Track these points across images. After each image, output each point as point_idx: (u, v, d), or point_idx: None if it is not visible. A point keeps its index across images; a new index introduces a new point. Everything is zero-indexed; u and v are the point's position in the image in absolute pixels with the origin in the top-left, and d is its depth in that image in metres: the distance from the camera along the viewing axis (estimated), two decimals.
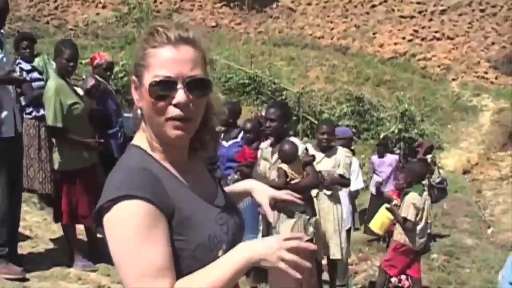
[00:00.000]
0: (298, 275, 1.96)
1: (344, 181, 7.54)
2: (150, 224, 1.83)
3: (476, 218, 14.57)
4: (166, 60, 1.91)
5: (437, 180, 12.09)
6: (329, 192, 7.39)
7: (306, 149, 6.53)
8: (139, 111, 1.99)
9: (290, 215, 6.24)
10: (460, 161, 19.22)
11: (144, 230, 1.82)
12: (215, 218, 2.05)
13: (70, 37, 21.10)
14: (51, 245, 7.10)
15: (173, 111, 1.91)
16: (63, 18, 25.35)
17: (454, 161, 19.39)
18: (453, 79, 24.03)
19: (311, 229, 6.29)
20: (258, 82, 21.14)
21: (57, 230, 7.31)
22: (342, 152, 7.58)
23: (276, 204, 3.01)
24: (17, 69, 6.22)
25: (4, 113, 5.66)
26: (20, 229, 7.01)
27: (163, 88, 1.88)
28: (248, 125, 7.92)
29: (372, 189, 11.69)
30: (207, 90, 1.99)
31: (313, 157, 6.47)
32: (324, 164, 7.40)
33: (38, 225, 7.73)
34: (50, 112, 6.08)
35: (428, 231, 7.98)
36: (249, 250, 1.92)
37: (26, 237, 7.13)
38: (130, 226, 1.82)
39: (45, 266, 6.31)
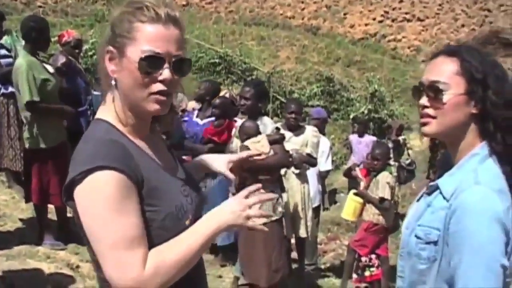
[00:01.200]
0: (266, 229, 2.13)
1: (311, 160, 7.60)
2: (123, 194, 1.87)
3: None
4: (155, 37, 1.95)
5: (407, 162, 12.23)
6: (297, 171, 7.46)
7: (277, 128, 6.54)
8: (113, 82, 1.99)
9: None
10: (427, 142, 19.40)
11: (117, 201, 1.86)
12: (179, 190, 2.11)
13: (39, 14, 20.86)
14: (19, 224, 7.06)
15: (157, 87, 1.95)
16: None
17: (423, 142, 19.54)
18: (423, 61, 24.21)
19: (279, 208, 6.32)
20: (229, 61, 21.16)
21: (25, 209, 7.28)
22: (310, 132, 7.63)
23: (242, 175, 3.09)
24: None
25: None
26: None
27: (152, 64, 1.93)
28: (217, 101, 7.93)
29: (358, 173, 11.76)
30: (188, 70, 2.04)
31: (283, 136, 6.47)
32: (292, 143, 7.45)
33: (6, 204, 7.68)
34: (25, 88, 5.98)
35: (395, 210, 8.07)
36: (216, 220, 2.01)
37: None
38: (103, 196, 1.86)
39: (13, 245, 6.29)
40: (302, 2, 26.78)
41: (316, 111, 10.01)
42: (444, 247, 2.19)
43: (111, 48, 1.97)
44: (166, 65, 1.94)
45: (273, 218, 6.20)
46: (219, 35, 23.13)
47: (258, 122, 6.29)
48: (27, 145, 6.33)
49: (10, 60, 7.20)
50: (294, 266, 8.14)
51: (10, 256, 6.02)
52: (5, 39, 7.65)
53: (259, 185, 2.11)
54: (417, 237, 2.29)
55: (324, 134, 9.55)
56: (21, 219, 7.18)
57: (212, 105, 8.02)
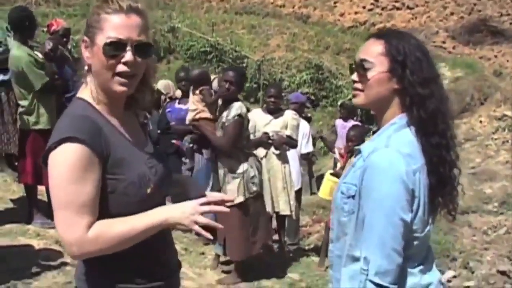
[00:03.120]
0: (209, 236, 2.39)
1: (291, 142, 7.94)
2: (83, 165, 2.18)
3: None
4: (118, 25, 2.28)
5: None
6: (277, 152, 7.80)
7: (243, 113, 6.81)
8: (86, 67, 2.37)
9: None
10: None
11: (77, 170, 2.17)
12: (144, 161, 2.41)
13: (32, 4, 21.00)
14: (10, 205, 7.36)
15: (121, 68, 2.29)
16: None
17: None
18: (428, 55, 24.25)
19: (253, 188, 6.63)
20: (220, 50, 21.26)
21: (16, 190, 7.58)
22: (289, 115, 7.97)
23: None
24: None
25: None
26: None
27: (115, 49, 2.26)
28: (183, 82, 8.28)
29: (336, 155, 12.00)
30: (150, 53, 2.39)
31: (240, 117, 6.69)
32: (272, 125, 7.80)
33: None
34: (34, 75, 6.38)
35: None
36: (167, 213, 2.31)
37: None
38: (66, 164, 2.17)
39: (5, 223, 6.59)
40: None
41: (295, 95, 10.31)
42: (360, 200, 2.53)
43: (85, 37, 2.34)
44: (128, 48, 2.28)
45: (239, 200, 6.51)
46: (210, 24, 23.24)
47: (227, 111, 6.61)
48: (21, 126, 6.67)
49: (1, 49, 7.49)
50: (275, 245, 8.47)
51: (1, 234, 6.35)
52: None
53: (220, 196, 2.46)
54: (342, 192, 2.66)
55: (305, 118, 9.86)
56: (12, 200, 7.48)
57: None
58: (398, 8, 25.56)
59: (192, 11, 25.41)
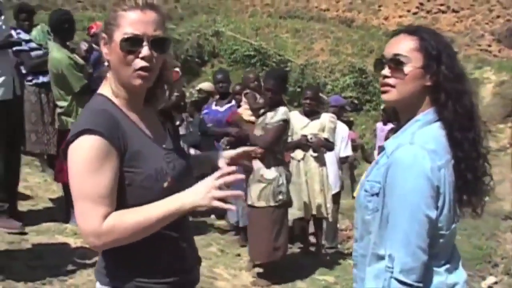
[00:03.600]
0: (233, 207, 2.37)
1: (329, 145, 7.95)
2: (101, 157, 2.23)
3: None
4: (134, 21, 2.34)
5: None
6: (315, 154, 7.82)
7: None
8: (106, 63, 2.44)
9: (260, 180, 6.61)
10: None
11: (95, 162, 2.22)
12: (162, 156, 2.46)
13: (78, 9, 21.31)
14: (50, 204, 7.51)
15: (139, 63, 2.34)
16: None
17: None
18: (457, 52, 23.99)
19: (280, 196, 6.65)
20: (263, 54, 21.31)
21: (56, 190, 7.72)
22: (326, 117, 7.99)
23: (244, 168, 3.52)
24: (13, 33, 6.58)
25: (3, 77, 6.07)
26: (22, 189, 7.45)
27: (132, 44, 2.33)
28: (237, 88, 8.35)
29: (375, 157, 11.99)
30: (167, 47, 2.45)
31: (285, 122, 6.74)
32: (309, 128, 7.83)
33: (39, 186, 8.15)
34: (74, 78, 6.52)
35: None
36: (181, 199, 2.31)
37: (27, 197, 7.55)
38: (84, 156, 2.23)
39: (43, 222, 6.73)
40: None
41: (334, 99, 10.32)
42: (384, 198, 2.52)
43: (103, 34, 2.41)
44: (145, 43, 2.33)
45: (260, 204, 6.56)
46: (254, 28, 23.32)
47: (273, 113, 6.64)
48: (58, 127, 6.81)
49: (40, 52, 7.68)
50: (313, 247, 8.48)
51: (40, 232, 6.48)
52: (34, 34, 8.12)
53: (234, 168, 2.37)
54: (365, 190, 2.64)
55: (346, 122, 9.85)
56: (51, 199, 7.63)
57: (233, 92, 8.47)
58: (443, 12, 25.28)
59: (237, 15, 25.50)
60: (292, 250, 8.28)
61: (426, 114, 2.61)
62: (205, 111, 9.02)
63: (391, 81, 2.62)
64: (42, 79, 7.73)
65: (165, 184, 2.40)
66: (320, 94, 9.23)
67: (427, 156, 2.44)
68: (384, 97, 2.70)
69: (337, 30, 23.90)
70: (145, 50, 2.33)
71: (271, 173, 6.64)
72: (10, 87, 6.15)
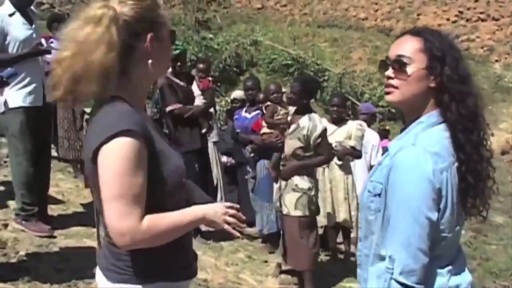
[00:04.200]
0: (238, 234, 2.65)
1: (355, 153, 7.96)
2: (138, 158, 2.33)
3: (509, 197, 14.55)
4: (168, 20, 2.65)
5: None
6: (339, 162, 7.83)
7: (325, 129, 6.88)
8: (150, 61, 2.53)
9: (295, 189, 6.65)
10: (499, 142, 19.13)
11: (133, 162, 2.32)
12: (177, 153, 2.60)
13: None
14: (80, 209, 7.66)
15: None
16: None
17: (493, 141, 19.26)
18: (496, 60, 23.77)
19: (312, 207, 6.67)
20: (301, 63, 21.37)
21: (87, 196, 7.86)
22: (353, 125, 8.00)
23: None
24: (44, 41, 6.73)
25: (34, 84, 6.25)
26: (53, 194, 7.63)
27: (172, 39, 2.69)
28: (261, 96, 8.43)
29: None
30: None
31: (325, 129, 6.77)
32: (336, 135, 7.85)
33: (70, 191, 8.31)
34: None
35: None
36: (203, 212, 2.52)
37: (59, 201, 7.72)
38: (123, 157, 2.30)
39: (73, 226, 6.88)
40: (376, 4, 26.63)
41: (365, 106, 10.32)
42: (386, 199, 2.53)
43: (152, 34, 2.49)
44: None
45: (296, 214, 6.60)
46: (292, 37, 23.39)
47: (306, 118, 6.64)
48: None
49: None
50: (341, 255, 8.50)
51: (68, 236, 6.62)
52: None
53: (238, 206, 2.63)
54: (368, 191, 2.65)
55: (383, 131, 9.84)
56: (82, 204, 7.78)
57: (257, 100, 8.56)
58: (483, 20, 25.01)
59: (275, 25, 25.59)
60: (320, 257, 8.30)
61: (430, 116, 2.60)
62: (236, 116, 9.12)
63: (394, 82, 2.62)
64: None
65: (184, 180, 2.57)
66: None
67: (429, 158, 2.44)
68: (387, 98, 2.68)
69: (375, 39, 23.83)
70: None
71: (305, 182, 6.66)
72: (40, 94, 6.32)
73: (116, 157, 2.30)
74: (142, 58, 2.50)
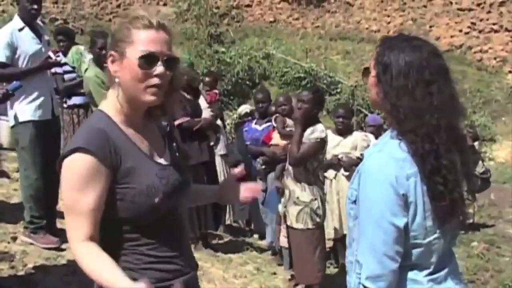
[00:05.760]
0: None
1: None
2: (89, 175, 2.35)
3: None
4: (150, 40, 2.43)
5: (481, 171, 12.28)
6: (346, 173, 7.82)
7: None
8: (116, 80, 2.50)
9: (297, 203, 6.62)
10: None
11: (82, 179, 2.35)
12: (155, 173, 2.55)
13: None
14: None
15: (153, 81, 2.44)
16: None
17: (506, 153, 19.29)
18: (510, 71, 23.73)
19: (317, 219, 6.61)
20: (314, 75, 21.46)
21: None
22: (359, 136, 7.99)
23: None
24: (52, 55, 6.80)
25: (42, 98, 6.31)
26: (63, 208, 7.63)
27: (148, 62, 2.42)
28: (272, 109, 8.45)
29: None
30: (177, 66, 2.55)
31: (322, 141, 6.66)
32: (341, 146, 7.85)
33: None
34: (100, 95, 6.71)
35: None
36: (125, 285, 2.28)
37: None
38: (73, 172, 2.36)
39: None
40: (388, 16, 26.68)
41: (372, 118, 10.27)
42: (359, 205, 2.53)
43: (112, 52, 2.48)
44: (160, 62, 2.43)
45: (310, 227, 6.55)
46: (305, 50, 23.47)
47: (312, 129, 6.59)
48: None
49: (73, 75, 8.01)
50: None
51: None
52: (69, 57, 8.45)
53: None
54: (348, 198, 2.64)
55: None
56: None
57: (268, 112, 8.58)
58: (496, 31, 24.99)
59: (288, 38, 25.70)
60: (330, 270, 8.28)
61: None
62: (245, 128, 9.14)
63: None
64: (74, 100, 8.09)
65: (156, 200, 2.48)
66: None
67: (393, 164, 2.42)
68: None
69: None
70: (160, 68, 2.42)
71: (306, 195, 6.58)
72: (49, 107, 6.38)
73: (69, 172, 2.36)
74: (112, 75, 2.52)
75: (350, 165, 7.82)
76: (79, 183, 2.34)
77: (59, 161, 2.41)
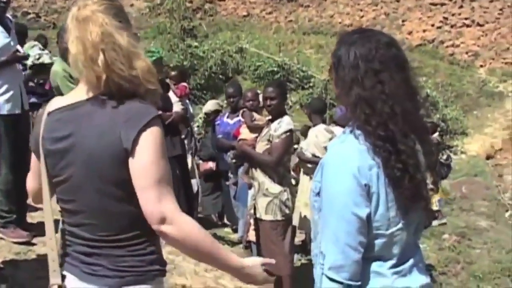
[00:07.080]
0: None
1: (314, 160, 8.01)
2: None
3: (494, 201, 14.64)
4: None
5: (444, 157, 12.66)
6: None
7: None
8: None
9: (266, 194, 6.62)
10: (484, 146, 19.23)
11: (164, 147, 2.36)
12: None
13: None
14: (60, 216, 7.63)
15: None
16: None
17: (478, 146, 19.44)
18: (481, 66, 23.90)
19: (286, 211, 6.61)
20: (287, 70, 21.50)
21: None
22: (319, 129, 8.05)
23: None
24: (19, 47, 6.74)
25: (11, 92, 6.24)
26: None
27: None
28: (241, 103, 8.45)
29: None
30: None
31: (290, 132, 6.66)
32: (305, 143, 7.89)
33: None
34: (68, 89, 6.62)
35: None
36: (244, 263, 2.56)
37: (38, 209, 7.67)
38: (159, 142, 2.32)
39: None
40: (361, 10, 26.78)
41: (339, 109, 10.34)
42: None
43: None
44: None
45: (267, 218, 6.57)
46: (278, 44, 23.50)
47: (278, 122, 6.59)
48: None
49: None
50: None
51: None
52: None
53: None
54: (312, 190, 2.62)
55: None
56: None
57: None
58: (467, 26, 25.17)
59: (261, 32, 25.72)
60: (301, 262, 8.31)
61: None
62: (217, 122, 9.13)
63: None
64: (32, 99, 8.08)
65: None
66: None
67: (355, 155, 2.42)
68: None
69: None
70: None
71: (276, 187, 6.59)
72: (18, 101, 6.31)
73: (155, 140, 2.33)
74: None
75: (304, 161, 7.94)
76: (164, 150, 2.32)
77: (135, 141, 2.28)
